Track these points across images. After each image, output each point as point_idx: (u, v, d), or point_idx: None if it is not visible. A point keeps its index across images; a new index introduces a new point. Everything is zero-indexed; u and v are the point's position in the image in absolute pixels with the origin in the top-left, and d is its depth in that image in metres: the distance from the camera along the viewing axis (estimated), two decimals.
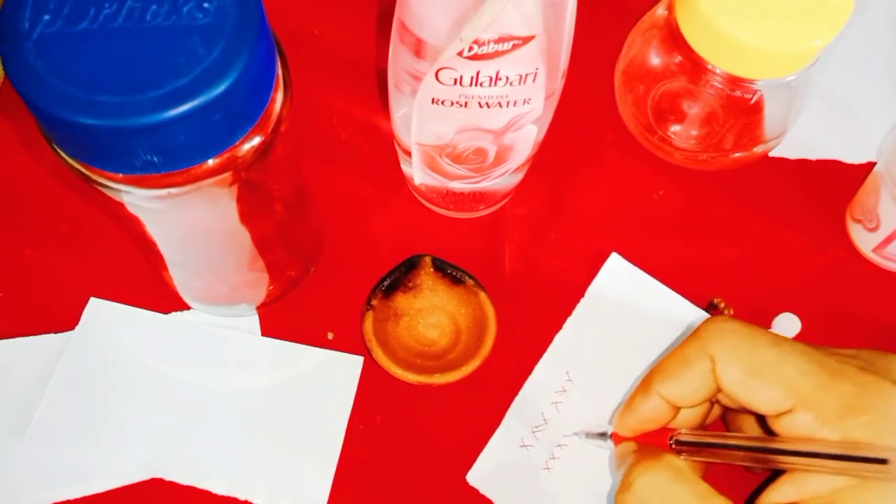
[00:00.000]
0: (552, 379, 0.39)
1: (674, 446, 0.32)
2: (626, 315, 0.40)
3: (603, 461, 0.37)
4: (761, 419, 0.32)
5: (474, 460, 0.38)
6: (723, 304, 0.41)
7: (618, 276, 0.41)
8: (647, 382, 0.33)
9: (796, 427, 0.30)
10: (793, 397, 0.30)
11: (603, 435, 0.36)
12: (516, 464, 0.38)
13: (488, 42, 0.29)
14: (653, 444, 0.33)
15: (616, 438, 0.35)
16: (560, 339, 0.40)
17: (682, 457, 0.32)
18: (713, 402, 0.34)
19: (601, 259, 0.42)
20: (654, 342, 0.39)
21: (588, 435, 0.37)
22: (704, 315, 0.40)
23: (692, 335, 0.33)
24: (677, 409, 0.33)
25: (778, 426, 0.31)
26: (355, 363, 0.39)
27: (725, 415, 0.36)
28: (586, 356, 0.40)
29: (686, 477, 0.31)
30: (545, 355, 0.40)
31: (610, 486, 0.37)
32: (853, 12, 0.37)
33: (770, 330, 0.32)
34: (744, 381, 0.31)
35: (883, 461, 0.27)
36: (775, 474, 0.31)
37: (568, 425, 0.38)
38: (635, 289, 0.41)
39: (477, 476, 0.38)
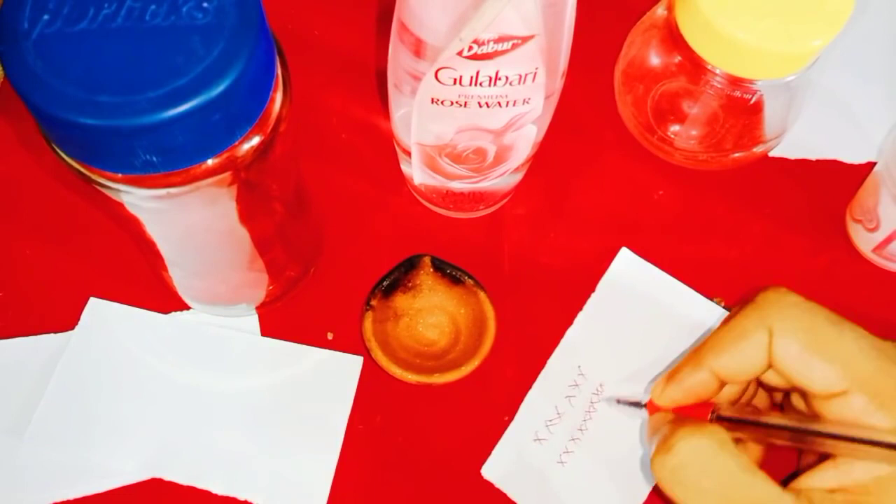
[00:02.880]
0: (564, 373, 0.39)
1: (714, 420, 0.31)
2: (637, 308, 0.41)
3: (615, 455, 0.38)
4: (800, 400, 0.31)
5: (474, 459, 0.38)
6: (723, 304, 0.41)
7: (628, 269, 0.41)
8: (698, 355, 0.32)
9: (849, 410, 0.29)
10: (849, 378, 0.29)
11: (636, 403, 0.35)
12: (530, 458, 0.38)
13: (488, 42, 0.29)
14: (691, 415, 0.32)
15: (651, 408, 0.34)
16: (571, 333, 0.40)
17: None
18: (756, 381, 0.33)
19: (601, 259, 0.42)
20: (666, 335, 0.40)
21: (620, 401, 0.36)
22: (715, 308, 0.40)
23: (751, 305, 0.31)
24: (723, 384, 0.32)
25: (826, 408, 0.30)
26: (355, 363, 0.39)
27: (757, 395, 0.35)
28: (598, 350, 0.40)
29: (730, 448, 0.30)
30: (556, 350, 0.40)
31: (624, 477, 0.37)
32: (853, 12, 0.37)
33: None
34: (801, 356, 0.30)
35: None
36: (819, 457, 0.30)
37: (581, 419, 0.38)
38: (645, 282, 0.41)
39: (492, 470, 0.38)
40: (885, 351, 0.29)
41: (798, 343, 0.30)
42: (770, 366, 0.31)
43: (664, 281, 0.41)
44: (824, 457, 0.31)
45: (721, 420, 0.31)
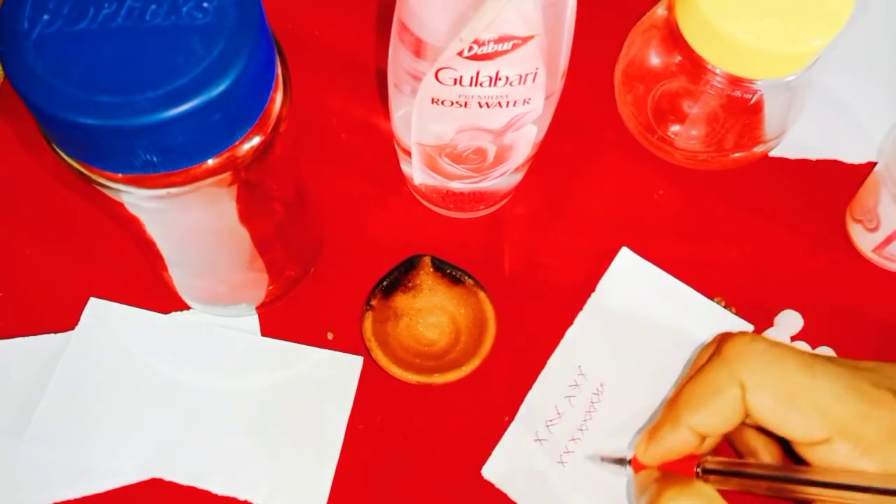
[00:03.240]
0: (564, 373, 0.39)
1: (700, 474, 0.31)
2: (638, 308, 0.41)
3: (615, 454, 0.37)
4: (785, 443, 0.31)
5: (474, 459, 0.38)
6: (723, 304, 0.41)
7: (628, 269, 0.41)
8: (674, 413, 0.31)
9: (834, 457, 0.28)
10: (829, 427, 0.28)
11: (621, 461, 0.35)
12: (530, 458, 0.38)
13: (488, 42, 0.29)
14: (677, 471, 0.32)
15: (636, 465, 0.34)
16: (572, 333, 0.40)
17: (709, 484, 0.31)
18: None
19: (601, 259, 0.42)
20: (666, 335, 0.40)
21: (604, 459, 0.36)
22: (715, 308, 0.40)
23: (718, 359, 0.31)
24: (703, 438, 0.31)
25: (812, 455, 0.29)
26: (355, 363, 0.39)
27: (735, 435, 0.35)
28: (598, 350, 0.40)
29: (716, 503, 0.30)
30: (557, 350, 0.40)
31: (626, 481, 0.37)
32: (853, 12, 0.37)
33: (799, 348, 0.30)
34: (776, 409, 0.29)
35: None
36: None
37: (581, 419, 0.38)
38: (646, 282, 0.41)
39: (492, 470, 0.38)
40: (862, 390, 0.29)
41: (771, 396, 0.29)
42: (748, 415, 0.30)
43: (664, 280, 0.41)
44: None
45: (707, 472, 0.31)
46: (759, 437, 0.34)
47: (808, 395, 0.29)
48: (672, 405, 0.32)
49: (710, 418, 0.30)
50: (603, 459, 0.36)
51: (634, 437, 0.38)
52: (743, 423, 0.32)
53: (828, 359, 0.31)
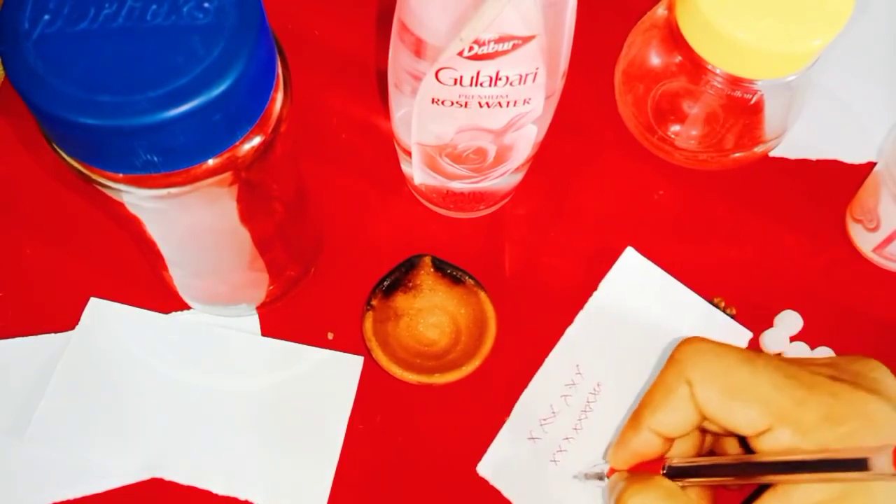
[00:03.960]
0: (562, 372, 0.39)
1: (665, 474, 0.32)
2: (638, 309, 0.40)
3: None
4: (744, 441, 0.32)
5: (474, 459, 0.38)
6: (723, 304, 0.41)
7: (631, 270, 0.41)
8: (636, 416, 0.33)
9: (777, 444, 0.30)
10: (769, 415, 0.30)
11: (600, 475, 0.36)
12: (524, 455, 0.38)
13: (488, 42, 0.29)
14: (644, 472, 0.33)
15: (611, 472, 0.35)
16: (571, 332, 0.40)
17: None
18: (703, 430, 0.34)
19: (601, 259, 0.42)
20: (665, 337, 0.40)
21: (587, 476, 0.37)
22: (717, 313, 0.40)
23: (669, 361, 0.32)
24: (671, 441, 0.33)
25: (759, 445, 0.30)
26: (355, 363, 0.39)
27: (714, 443, 0.36)
28: (596, 349, 0.40)
29: (677, 496, 0.31)
30: (555, 348, 0.40)
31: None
32: (853, 12, 0.37)
33: (742, 347, 0.32)
34: (721, 402, 0.30)
35: (862, 462, 0.26)
36: (761, 490, 0.31)
37: (576, 419, 0.38)
38: (649, 283, 0.41)
39: (486, 467, 0.38)
40: (800, 378, 0.30)
41: (715, 390, 0.31)
42: (704, 416, 0.32)
43: (667, 283, 0.41)
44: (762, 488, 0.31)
45: (672, 472, 0.32)
46: (732, 442, 0.35)
47: (750, 387, 0.30)
48: (635, 411, 0.33)
49: (666, 417, 0.32)
50: (586, 476, 0.37)
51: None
52: (718, 435, 0.33)
53: (770, 355, 0.32)
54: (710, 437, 0.35)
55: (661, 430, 0.32)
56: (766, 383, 0.30)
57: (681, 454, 0.34)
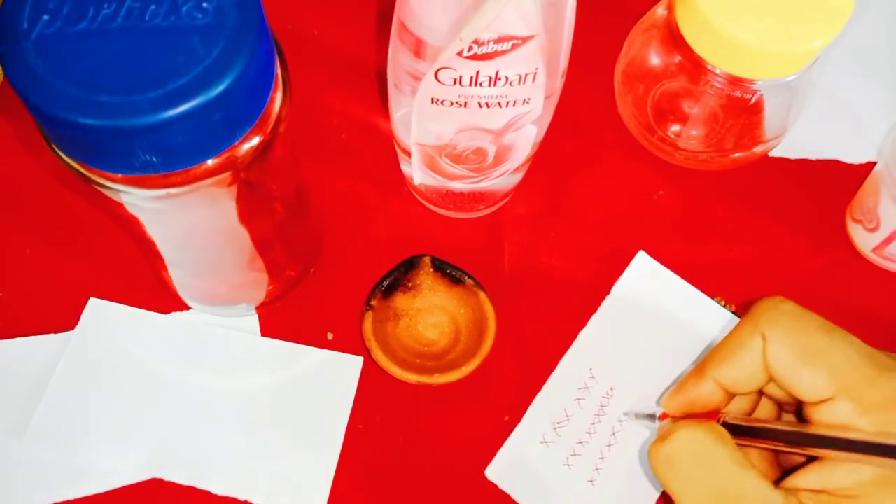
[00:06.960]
0: (575, 375, 0.39)
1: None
2: (652, 313, 0.40)
3: (623, 459, 0.37)
4: (799, 414, 0.32)
5: (474, 460, 0.38)
6: (723, 303, 0.41)
7: (644, 274, 0.41)
8: (701, 366, 0.33)
9: (835, 415, 0.29)
10: (835, 385, 0.29)
11: (652, 416, 0.36)
12: (536, 459, 0.38)
13: (488, 42, 0.29)
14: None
15: (663, 417, 0.35)
16: (584, 335, 0.40)
17: None
18: (762, 394, 0.34)
19: (601, 259, 0.42)
20: (679, 341, 0.40)
21: (637, 416, 0.37)
22: (730, 316, 0.40)
23: (746, 317, 0.32)
24: (730, 396, 0.32)
25: (816, 414, 0.30)
26: (355, 363, 0.39)
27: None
28: (610, 353, 0.40)
29: (726, 442, 0.30)
30: (569, 351, 0.40)
31: (630, 483, 0.37)
32: (853, 12, 0.37)
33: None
34: (791, 364, 0.30)
35: None
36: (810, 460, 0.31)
37: (590, 422, 0.38)
38: (662, 287, 0.41)
39: (496, 471, 0.38)
40: (875, 358, 0.30)
41: (788, 350, 0.30)
42: (771, 377, 0.31)
43: (680, 287, 0.41)
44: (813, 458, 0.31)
45: (726, 425, 0.32)
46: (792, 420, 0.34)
47: (823, 354, 0.30)
48: (701, 361, 0.33)
49: (733, 370, 0.32)
50: (637, 416, 0.37)
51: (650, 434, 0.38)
52: (777, 403, 0.33)
53: (850, 333, 0.31)
54: (766, 402, 0.34)
55: (724, 382, 0.32)
56: (840, 354, 0.30)
57: (736, 411, 0.33)
